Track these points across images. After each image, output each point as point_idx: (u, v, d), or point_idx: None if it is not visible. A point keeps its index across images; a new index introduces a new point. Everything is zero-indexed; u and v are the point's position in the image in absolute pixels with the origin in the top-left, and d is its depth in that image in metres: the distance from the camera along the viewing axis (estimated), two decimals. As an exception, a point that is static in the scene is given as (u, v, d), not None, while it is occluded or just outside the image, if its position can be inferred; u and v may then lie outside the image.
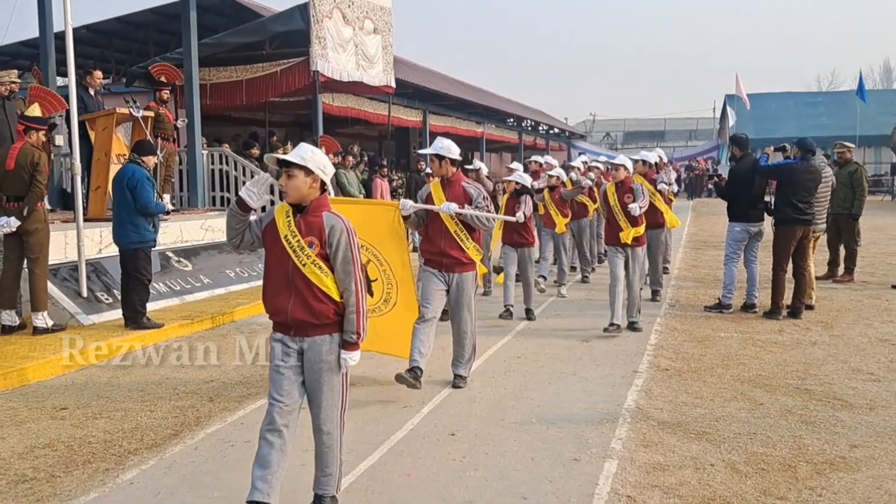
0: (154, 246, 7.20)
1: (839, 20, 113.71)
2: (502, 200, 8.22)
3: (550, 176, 9.64)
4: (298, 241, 3.29)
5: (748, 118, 33.13)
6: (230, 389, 5.57)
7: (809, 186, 7.78)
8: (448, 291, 5.49)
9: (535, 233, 8.41)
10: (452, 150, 5.45)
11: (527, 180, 8.20)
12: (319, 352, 3.33)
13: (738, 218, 8.18)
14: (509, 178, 8.26)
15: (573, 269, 11.16)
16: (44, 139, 6.84)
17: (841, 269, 10.47)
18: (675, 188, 11.60)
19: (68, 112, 7.59)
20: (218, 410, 5.06)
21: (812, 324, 7.66)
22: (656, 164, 9.49)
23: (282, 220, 3.36)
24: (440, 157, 5.43)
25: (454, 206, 5.26)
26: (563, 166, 11.65)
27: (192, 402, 5.26)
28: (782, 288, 7.94)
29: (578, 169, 10.96)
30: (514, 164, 11.07)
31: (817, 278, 9.06)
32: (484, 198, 5.41)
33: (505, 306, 8.02)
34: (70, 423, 4.85)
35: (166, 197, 10.71)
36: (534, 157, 12.03)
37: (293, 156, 3.30)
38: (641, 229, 7.31)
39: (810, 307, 8.24)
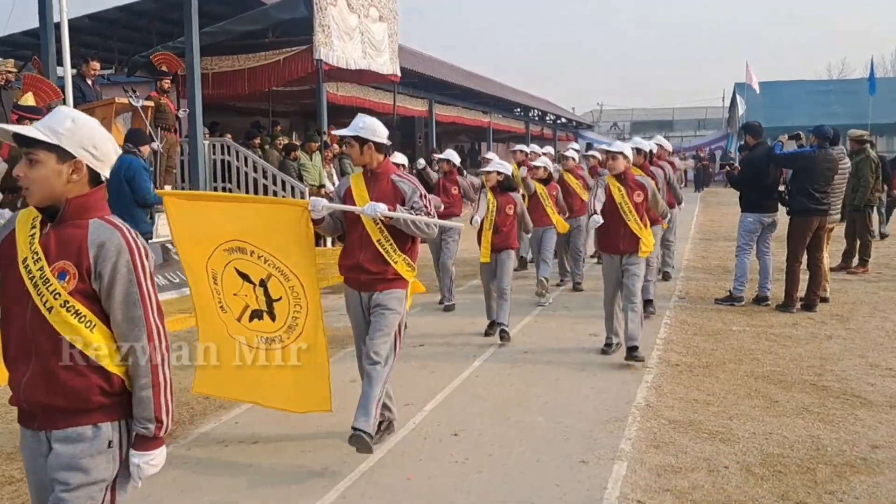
0: (151, 238, 7.06)
1: (849, 9, 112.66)
2: (489, 195, 6.84)
3: (536, 167, 8.26)
4: (42, 268, 2.02)
5: (759, 107, 32.73)
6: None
7: (827, 175, 7.54)
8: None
9: (516, 234, 7.01)
10: (378, 130, 4.11)
11: (507, 168, 6.92)
12: (72, 455, 2.06)
13: (751, 208, 7.96)
14: (486, 168, 6.94)
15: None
16: (38, 129, 6.70)
17: (855, 261, 10.25)
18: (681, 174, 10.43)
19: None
20: (213, 408, 4.91)
21: (827, 317, 7.46)
22: (651, 152, 8.19)
23: (23, 233, 2.10)
24: (361, 141, 4.08)
25: (381, 207, 3.91)
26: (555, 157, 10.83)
27: (188, 398, 5.08)
28: (797, 280, 7.72)
29: (573, 159, 9.49)
30: (490, 154, 9.64)
31: (831, 269, 8.85)
32: (422, 196, 4.09)
33: (490, 321, 6.82)
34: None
35: (167, 188, 10.58)
36: (519, 146, 10.83)
37: (37, 128, 2.04)
38: (650, 235, 6.01)
39: (825, 300, 8.03)
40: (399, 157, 7.12)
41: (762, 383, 5.33)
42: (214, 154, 12.08)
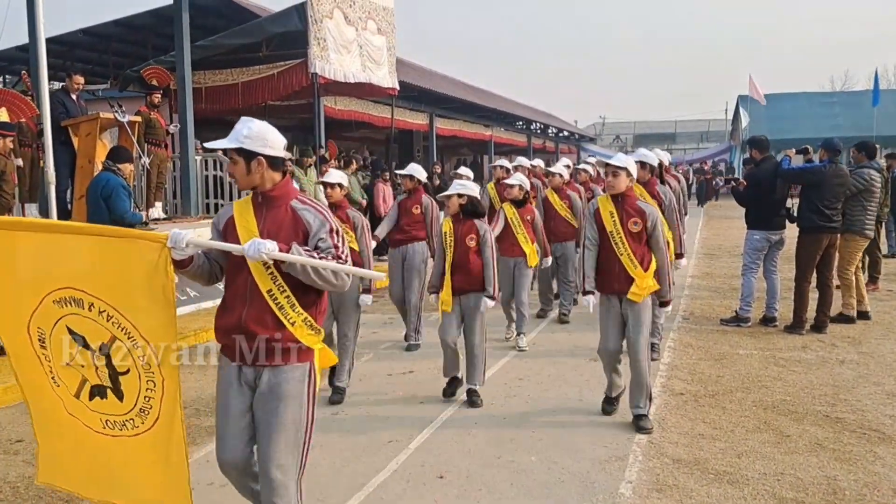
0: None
1: (852, 21, 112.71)
2: (445, 226, 5.45)
3: (510, 186, 6.99)
4: None
5: (763, 119, 32.45)
6: (203, 418, 5.10)
7: (837, 192, 7.22)
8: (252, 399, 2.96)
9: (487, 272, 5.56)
10: (269, 139, 2.92)
11: (473, 190, 5.44)
12: None
13: (758, 225, 7.63)
14: (449, 192, 5.42)
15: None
16: (11, 146, 6.45)
17: (865, 278, 9.91)
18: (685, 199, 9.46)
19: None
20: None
21: (837, 339, 7.12)
22: (661, 166, 6.78)
23: None
24: (247, 154, 2.90)
25: (269, 246, 2.72)
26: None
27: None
28: (806, 300, 7.39)
29: (560, 176, 8.17)
30: (463, 170, 8.57)
31: (837, 287, 8.41)
32: (332, 231, 2.90)
33: (450, 378, 5.54)
34: (22, 459, 4.40)
35: (158, 205, 10.32)
36: (499, 162, 9.28)
37: None
38: (651, 278, 4.78)
39: (865, 315, 7.99)
40: (335, 176, 5.66)
41: (772, 415, 5.00)
42: (206, 170, 11.81)
